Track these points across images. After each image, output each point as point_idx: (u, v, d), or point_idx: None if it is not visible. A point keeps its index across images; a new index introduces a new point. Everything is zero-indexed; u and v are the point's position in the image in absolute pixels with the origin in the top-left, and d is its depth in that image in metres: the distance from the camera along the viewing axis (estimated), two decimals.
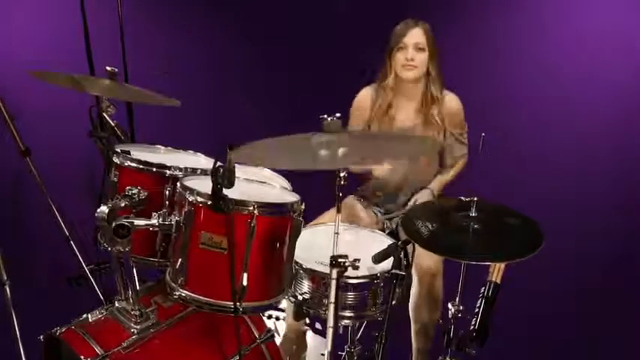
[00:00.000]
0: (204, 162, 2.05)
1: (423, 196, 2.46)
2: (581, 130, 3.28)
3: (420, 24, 2.38)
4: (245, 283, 1.61)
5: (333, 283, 1.51)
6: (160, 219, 1.69)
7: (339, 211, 1.58)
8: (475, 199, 1.80)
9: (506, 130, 3.25)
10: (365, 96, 2.52)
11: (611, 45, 3.25)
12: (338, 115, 1.61)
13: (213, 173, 1.50)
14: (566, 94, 3.30)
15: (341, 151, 1.58)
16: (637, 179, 3.27)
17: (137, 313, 1.77)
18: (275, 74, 3.53)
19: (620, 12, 3.25)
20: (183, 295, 1.66)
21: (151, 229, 1.69)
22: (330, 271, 1.53)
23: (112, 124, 1.95)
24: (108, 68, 2.00)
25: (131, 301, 1.77)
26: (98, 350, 1.67)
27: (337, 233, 1.56)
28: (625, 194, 3.29)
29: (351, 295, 1.83)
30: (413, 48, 2.35)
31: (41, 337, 1.76)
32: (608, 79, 3.26)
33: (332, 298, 1.51)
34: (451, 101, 2.47)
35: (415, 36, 2.35)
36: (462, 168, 2.57)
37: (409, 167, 2.47)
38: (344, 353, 2.05)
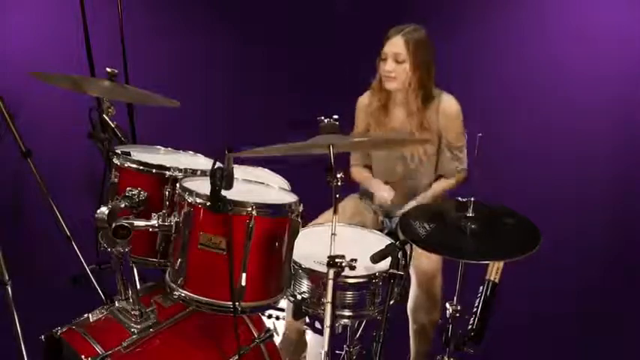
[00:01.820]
0: (204, 163, 2.06)
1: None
2: (582, 129, 3.28)
3: (403, 32, 2.27)
4: (244, 283, 1.62)
5: (330, 283, 1.53)
6: (160, 220, 1.70)
7: (336, 211, 1.59)
8: (472, 199, 1.81)
9: (506, 130, 3.26)
10: (363, 99, 2.53)
11: (612, 44, 3.25)
12: (335, 116, 1.62)
13: (212, 175, 1.52)
14: (566, 94, 3.30)
15: None
16: (638, 179, 3.27)
17: (137, 312, 1.78)
18: (275, 74, 3.53)
19: (621, 11, 3.25)
20: (183, 295, 1.68)
21: (150, 229, 1.70)
22: (327, 271, 1.54)
23: (112, 126, 1.96)
24: (108, 69, 2.00)
25: (131, 300, 1.78)
26: (99, 350, 1.68)
27: (334, 234, 1.57)
28: (625, 194, 3.29)
29: (349, 295, 1.84)
30: (392, 59, 2.27)
31: (42, 336, 1.77)
32: (609, 78, 3.26)
33: (329, 298, 1.52)
34: (448, 103, 2.38)
35: (394, 46, 2.27)
36: (458, 183, 2.48)
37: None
38: (343, 352, 2.06)
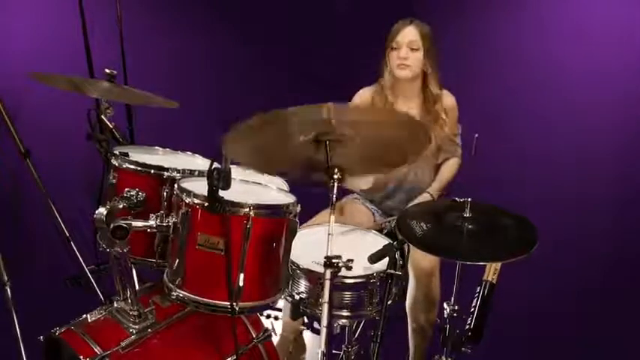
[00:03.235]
0: (202, 163, 2.06)
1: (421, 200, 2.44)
2: (582, 129, 3.28)
3: (414, 23, 2.37)
4: (241, 283, 1.62)
5: (327, 283, 1.53)
6: (158, 220, 1.70)
7: (333, 212, 1.59)
8: (469, 199, 1.81)
9: (506, 130, 3.26)
10: (363, 95, 2.52)
11: (611, 43, 3.24)
12: None
13: (209, 175, 1.52)
14: (566, 93, 3.30)
15: None
16: (638, 178, 3.27)
17: (136, 313, 1.79)
18: (275, 74, 3.54)
19: (621, 9, 3.25)
20: (181, 295, 1.68)
21: (148, 230, 1.71)
22: (324, 272, 1.54)
23: (111, 127, 1.96)
24: (106, 70, 2.01)
25: (130, 301, 1.79)
26: (97, 350, 1.68)
27: (331, 234, 1.57)
28: (626, 194, 3.29)
29: (347, 295, 1.85)
30: (406, 47, 2.34)
31: (41, 337, 1.78)
32: (609, 77, 3.26)
33: (326, 298, 1.52)
34: (447, 98, 2.46)
35: (408, 35, 2.35)
36: (456, 169, 2.55)
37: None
38: (341, 353, 2.06)
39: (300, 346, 2.39)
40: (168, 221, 1.70)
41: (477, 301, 1.87)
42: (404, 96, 2.46)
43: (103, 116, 1.97)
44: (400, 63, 2.35)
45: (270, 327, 2.02)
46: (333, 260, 1.55)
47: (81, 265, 2.52)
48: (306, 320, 2.37)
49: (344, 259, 1.62)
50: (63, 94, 2.10)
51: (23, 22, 3.55)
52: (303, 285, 1.87)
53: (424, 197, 2.45)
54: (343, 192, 2.57)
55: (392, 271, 1.76)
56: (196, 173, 1.85)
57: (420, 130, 1.71)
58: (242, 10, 3.53)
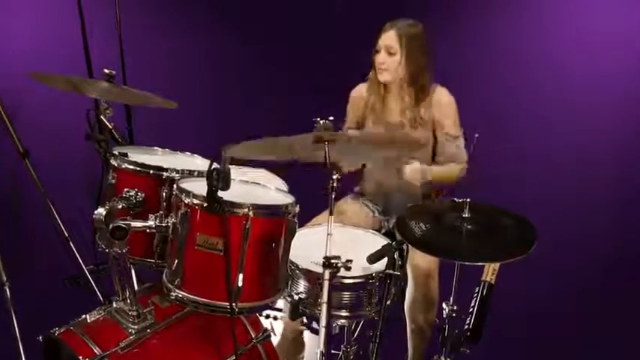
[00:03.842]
0: (202, 164, 2.06)
1: (412, 167, 2.33)
2: (582, 129, 3.28)
3: (396, 26, 2.33)
4: (241, 283, 1.62)
5: (326, 283, 1.53)
6: (157, 221, 1.70)
7: (331, 212, 1.60)
8: (468, 200, 1.81)
9: (506, 130, 3.26)
10: (359, 91, 2.54)
11: (611, 43, 3.25)
12: (331, 117, 1.63)
13: (209, 175, 1.52)
14: (566, 93, 3.31)
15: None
16: (638, 178, 3.27)
17: (135, 313, 1.78)
18: (275, 74, 3.54)
19: (621, 9, 3.25)
20: (180, 295, 1.68)
21: (147, 230, 1.71)
22: (323, 272, 1.55)
23: (110, 127, 1.96)
24: (105, 70, 2.00)
25: (129, 301, 1.79)
26: (96, 350, 1.68)
27: (330, 234, 1.57)
28: (626, 194, 3.29)
29: (346, 295, 1.85)
30: (385, 51, 2.33)
31: (40, 337, 1.77)
32: (609, 77, 3.26)
33: (324, 298, 1.52)
34: (440, 95, 2.40)
35: (387, 39, 2.33)
36: (454, 173, 2.41)
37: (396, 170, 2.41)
38: (340, 353, 2.06)
39: (300, 346, 2.39)
40: (168, 221, 1.70)
41: (476, 301, 1.87)
42: (392, 96, 2.45)
43: (102, 116, 1.97)
44: (378, 67, 2.36)
45: (269, 327, 2.02)
46: (332, 260, 1.56)
47: (80, 265, 2.51)
48: (305, 320, 2.37)
49: (343, 259, 1.63)
50: (62, 94, 2.10)
51: (23, 22, 3.56)
52: (302, 285, 1.88)
53: (414, 164, 2.33)
54: (342, 192, 2.57)
55: (391, 272, 1.76)
56: (195, 174, 1.85)
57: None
58: (242, 10, 3.53)
